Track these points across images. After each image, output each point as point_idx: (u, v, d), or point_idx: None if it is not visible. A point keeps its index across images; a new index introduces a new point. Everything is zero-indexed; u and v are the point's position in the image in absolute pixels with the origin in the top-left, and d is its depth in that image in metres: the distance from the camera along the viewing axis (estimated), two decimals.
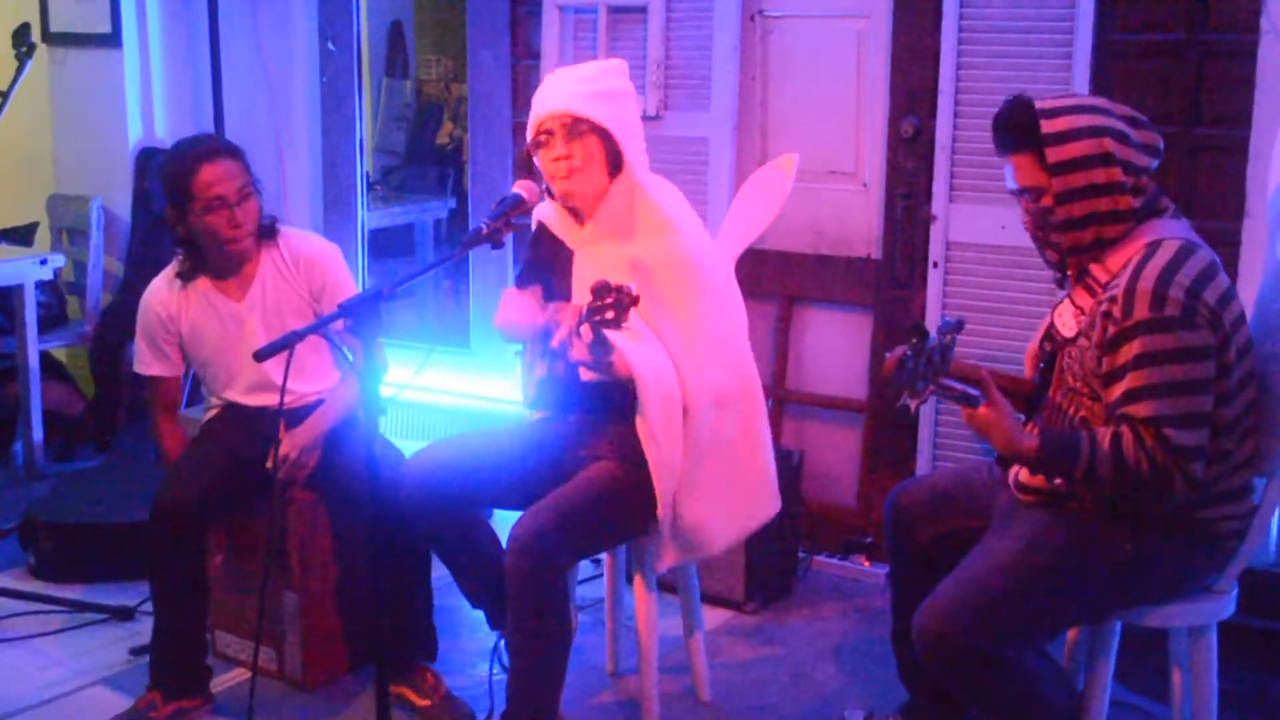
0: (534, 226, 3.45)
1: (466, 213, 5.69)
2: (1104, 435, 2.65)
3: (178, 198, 3.52)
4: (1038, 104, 2.77)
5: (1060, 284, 2.94)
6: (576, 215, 3.30)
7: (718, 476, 3.27)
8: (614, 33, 4.76)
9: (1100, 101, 2.79)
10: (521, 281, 3.46)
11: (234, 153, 3.58)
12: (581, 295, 3.20)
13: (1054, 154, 2.74)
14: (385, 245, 7.26)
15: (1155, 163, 2.80)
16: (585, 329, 2.85)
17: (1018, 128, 2.79)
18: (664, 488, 3.13)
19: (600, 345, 2.93)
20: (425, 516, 3.26)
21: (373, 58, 7.91)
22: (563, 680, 3.20)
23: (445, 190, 7.82)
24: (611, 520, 3.20)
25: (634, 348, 3.07)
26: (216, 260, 3.62)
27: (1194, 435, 2.63)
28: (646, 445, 3.11)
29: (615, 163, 3.22)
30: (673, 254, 3.19)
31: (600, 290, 2.79)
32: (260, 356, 2.68)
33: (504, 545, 3.11)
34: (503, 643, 3.29)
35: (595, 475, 3.22)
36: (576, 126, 3.17)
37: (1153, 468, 2.61)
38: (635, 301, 2.79)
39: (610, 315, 2.79)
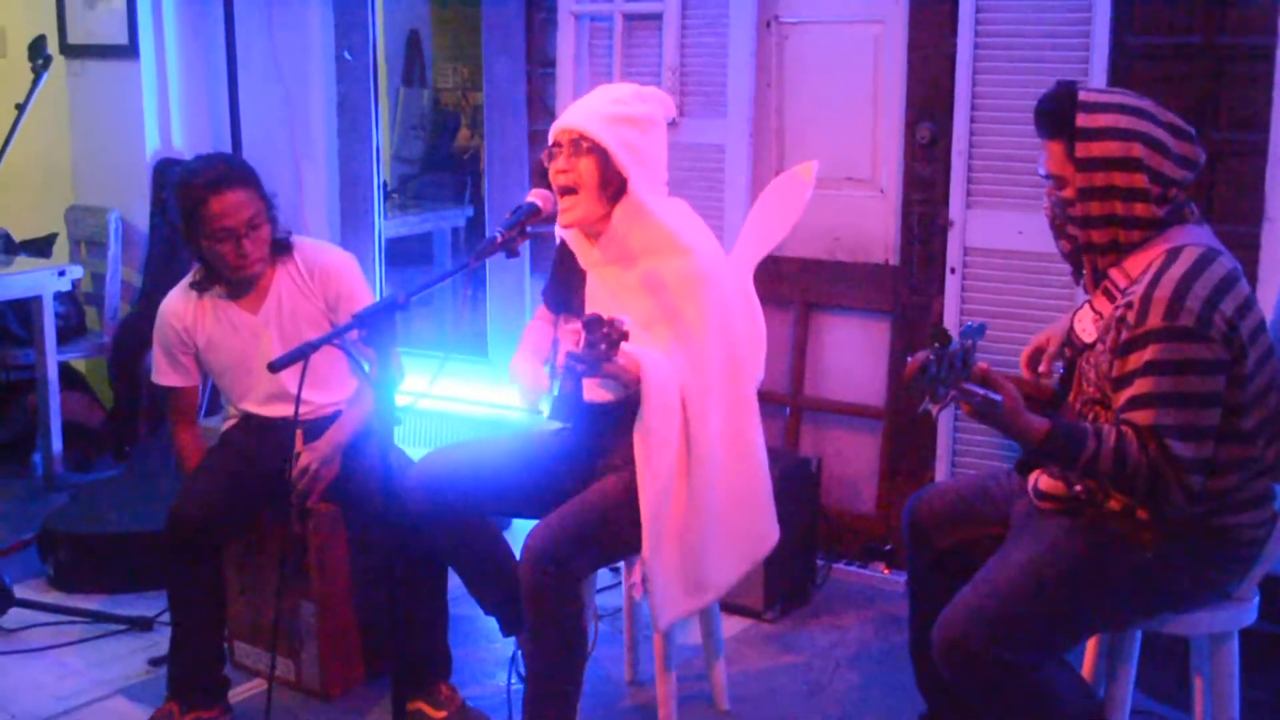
0: (558, 242, 3.45)
1: (484, 221, 5.69)
2: (1111, 433, 2.63)
3: (188, 222, 3.52)
4: (1081, 95, 2.75)
5: (1075, 278, 2.92)
6: (590, 235, 3.27)
7: (722, 502, 3.26)
8: (629, 40, 4.76)
9: (1147, 105, 2.75)
10: (547, 296, 3.50)
11: (246, 180, 3.54)
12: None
13: (1082, 149, 2.72)
14: (403, 254, 7.27)
15: (1190, 176, 2.77)
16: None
17: (1056, 114, 2.77)
18: (651, 499, 3.10)
19: (595, 375, 2.94)
20: (429, 521, 3.26)
21: (390, 67, 7.94)
22: (580, 689, 3.19)
23: (463, 199, 7.84)
24: (626, 530, 3.18)
25: (647, 353, 3.07)
26: (228, 278, 3.63)
27: (1196, 448, 2.61)
28: (639, 451, 3.10)
29: (615, 186, 3.17)
30: (684, 273, 3.17)
31: (592, 324, 2.80)
32: (275, 368, 2.68)
33: (517, 554, 3.10)
34: (519, 652, 3.28)
35: (610, 485, 3.20)
36: (579, 144, 3.14)
37: (1151, 475, 2.60)
38: (625, 336, 2.81)
39: (602, 348, 2.81)
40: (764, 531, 3.38)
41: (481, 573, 3.36)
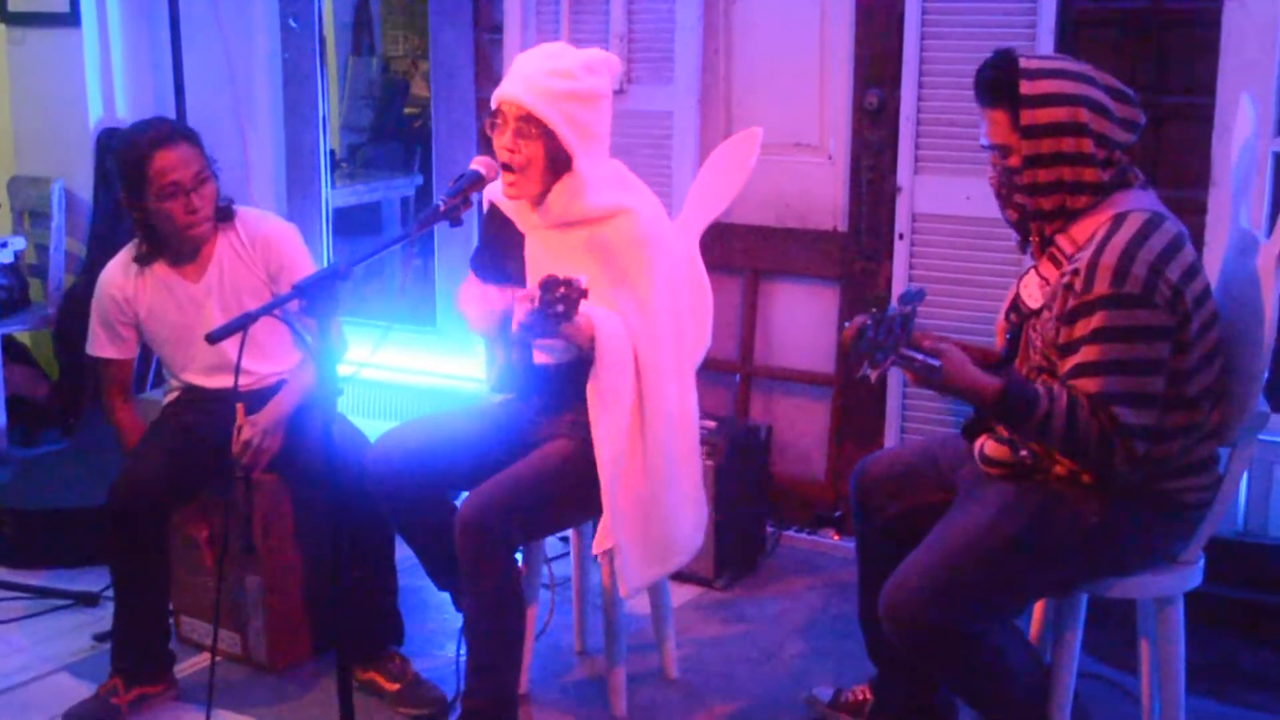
0: (485, 206, 3.41)
1: (433, 189, 5.65)
2: (1062, 394, 2.62)
3: (133, 184, 3.48)
4: (1022, 63, 2.73)
5: (1021, 247, 2.92)
6: (530, 201, 3.23)
7: (678, 469, 3.25)
8: (577, 6, 4.72)
9: (1086, 69, 2.75)
10: (477, 263, 3.42)
11: (189, 136, 3.53)
12: (534, 282, 3.17)
13: (1027, 116, 2.71)
14: (352, 224, 7.21)
15: (1133, 138, 2.77)
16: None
17: (997, 83, 2.75)
18: (607, 459, 3.09)
19: (552, 337, 2.92)
20: (395, 501, 3.24)
21: (339, 35, 7.86)
22: (520, 658, 3.19)
23: (413, 167, 7.78)
24: (563, 498, 3.17)
25: (599, 311, 3.05)
26: (174, 244, 3.58)
27: (1142, 415, 2.61)
28: (593, 409, 3.08)
29: (561, 163, 3.13)
30: (627, 234, 3.15)
31: (548, 285, 2.77)
32: (213, 338, 2.63)
33: None
34: None
35: (548, 453, 3.20)
36: (526, 126, 3.09)
37: (1100, 439, 2.60)
38: (584, 294, 2.77)
39: (560, 309, 2.77)
40: (702, 498, 3.38)
41: (436, 549, 3.33)
